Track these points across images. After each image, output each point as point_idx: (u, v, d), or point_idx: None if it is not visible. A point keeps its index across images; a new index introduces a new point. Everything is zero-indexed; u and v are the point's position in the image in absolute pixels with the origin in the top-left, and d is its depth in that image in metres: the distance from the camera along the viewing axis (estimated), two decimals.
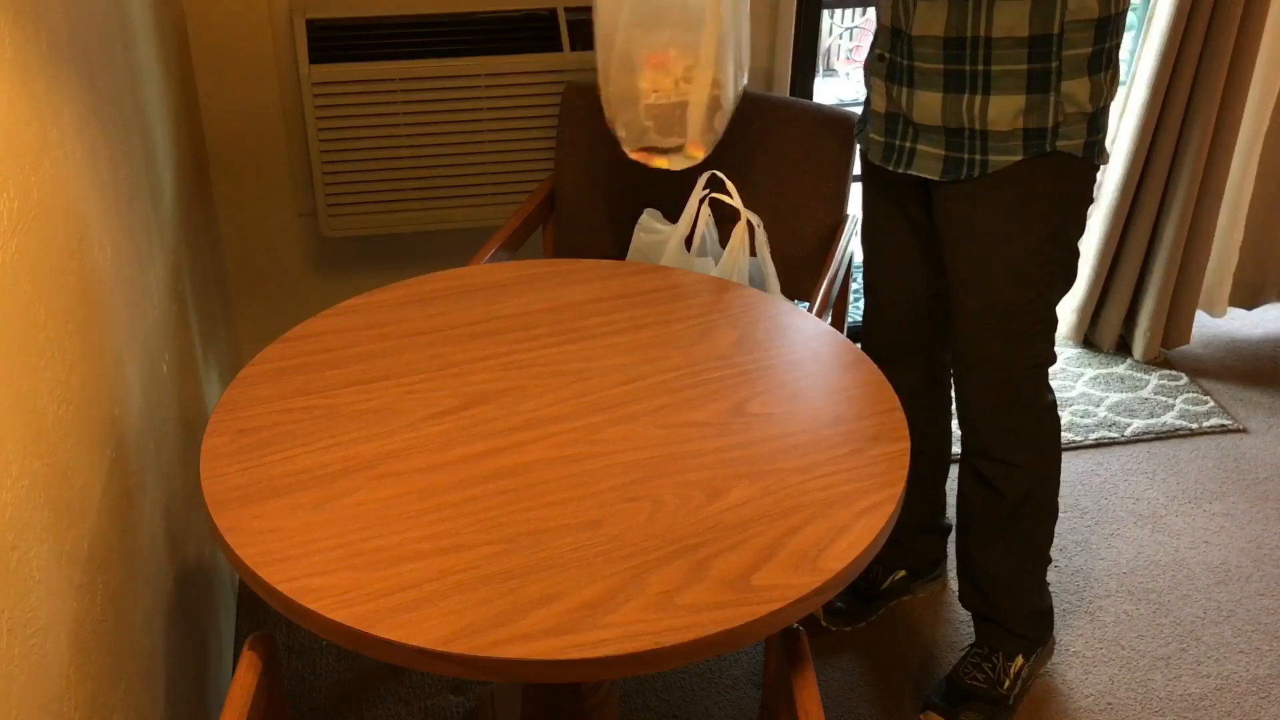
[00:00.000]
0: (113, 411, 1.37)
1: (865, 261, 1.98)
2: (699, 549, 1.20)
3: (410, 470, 1.31)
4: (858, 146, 1.93)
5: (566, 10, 2.33)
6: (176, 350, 1.81)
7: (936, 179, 1.70)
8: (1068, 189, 1.69)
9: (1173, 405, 2.79)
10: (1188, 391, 2.85)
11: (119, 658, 1.29)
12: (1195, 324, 3.02)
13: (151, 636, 1.46)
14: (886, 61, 1.71)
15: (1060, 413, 2.31)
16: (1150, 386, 2.87)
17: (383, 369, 1.50)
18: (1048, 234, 1.69)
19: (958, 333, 1.80)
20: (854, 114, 2.16)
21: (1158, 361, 2.98)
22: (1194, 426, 2.72)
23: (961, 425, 1.87)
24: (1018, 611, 1.97)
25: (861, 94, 4.76)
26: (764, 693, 2.00)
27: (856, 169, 2.22)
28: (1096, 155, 1.69)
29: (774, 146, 2.16)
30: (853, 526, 1.24)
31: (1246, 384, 2.91)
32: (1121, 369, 2.94)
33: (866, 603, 2.17)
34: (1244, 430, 2.73)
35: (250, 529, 1.22)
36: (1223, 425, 2.72)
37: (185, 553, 1.75)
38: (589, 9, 2.35)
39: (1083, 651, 2.13)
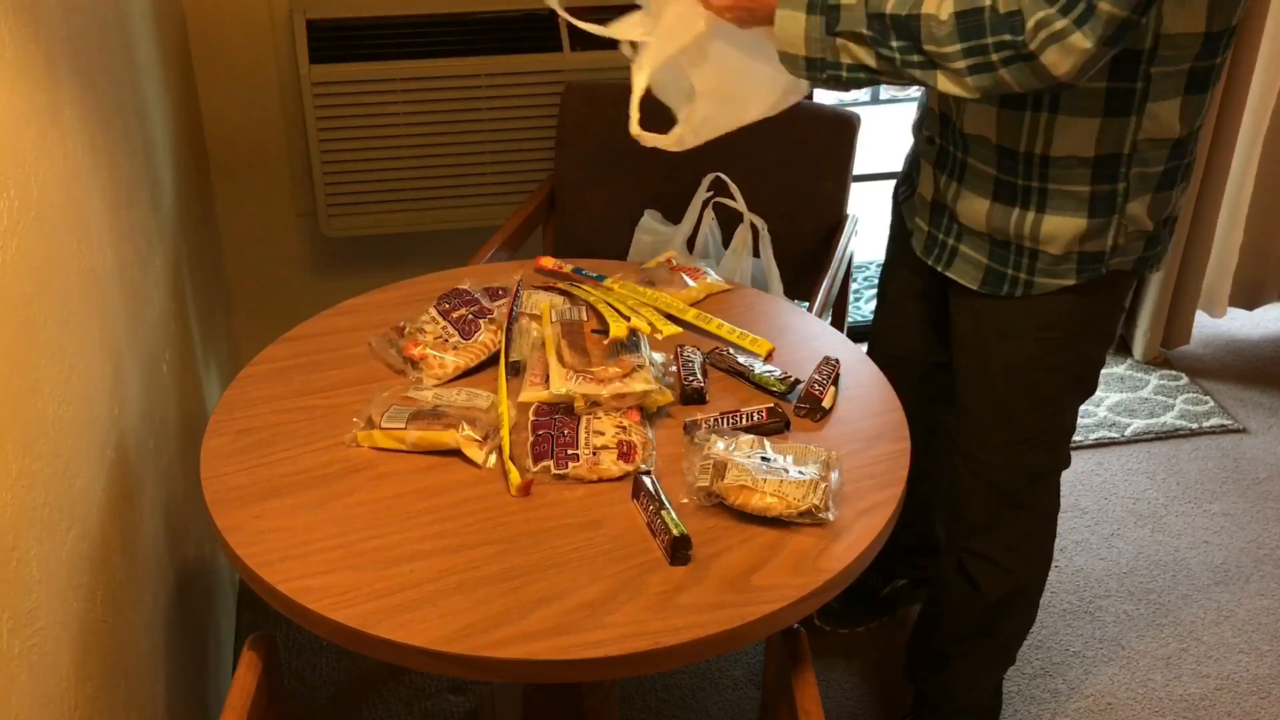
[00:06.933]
0: (113, 411, 1.37)
1: (875, 312, 1.86)
2: (699, 549, 1.20)
3: (410, 470, 1.31)
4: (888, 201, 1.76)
5: (567, 11, 2.33)
6: (176, 350, 1.81)
7: (974, 289, 1.54)
8: (1104, 308, 1.54)
9: (1173, 405, 2.79)
10: (1188, 391, 2.85)
11: (119, 658, 1.29)
12: (1195, 324, 3.02)
13: (151, 636, 1.46)
14: (937, 147, 1.55)
15: None
16: (1150, 386, 2.87)
17: (383, 368, 1.49)
18: (1069, 353, 1.55)
19: (957, 421, 1.67)
20: (854, 114, 2.16)
21: (1158, 361, 2.98)
22: (1194, 426, 2.72)
23: (950, 512, 1.75)
24: (962, 702, 1.87)
25: (862, 95, 4.76)
26: (764, 693, 2.00)
27: (857, 169, 2.22)
28: (1150, 268, 1.52)
29: (774, 146, 2.16)
30: (853, 527, 1.24)
31: (1246, 384, 2.91)
32: (1121, 369, 2.94)
33: (866, 609, 2.15)
34: (1244, 430, 2.73)
35: (250, 529, 1.22)
36: (1223, 425, 2.72)
37: (185, 553, 1.75)
38: (589, 9, 2.34)
39: (1083, 651, 2.13)
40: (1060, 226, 1.43)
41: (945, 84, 1.29)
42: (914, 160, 1.67)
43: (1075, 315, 1.51)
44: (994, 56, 1.25)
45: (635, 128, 1.46)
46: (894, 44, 1.30)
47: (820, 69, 1.35)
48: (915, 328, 1.76)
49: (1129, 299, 1.58)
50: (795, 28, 1.33)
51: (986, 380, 1.60)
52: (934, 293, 1.69)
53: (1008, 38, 1.23)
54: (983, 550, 1.71)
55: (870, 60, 1.32)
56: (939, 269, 1.58)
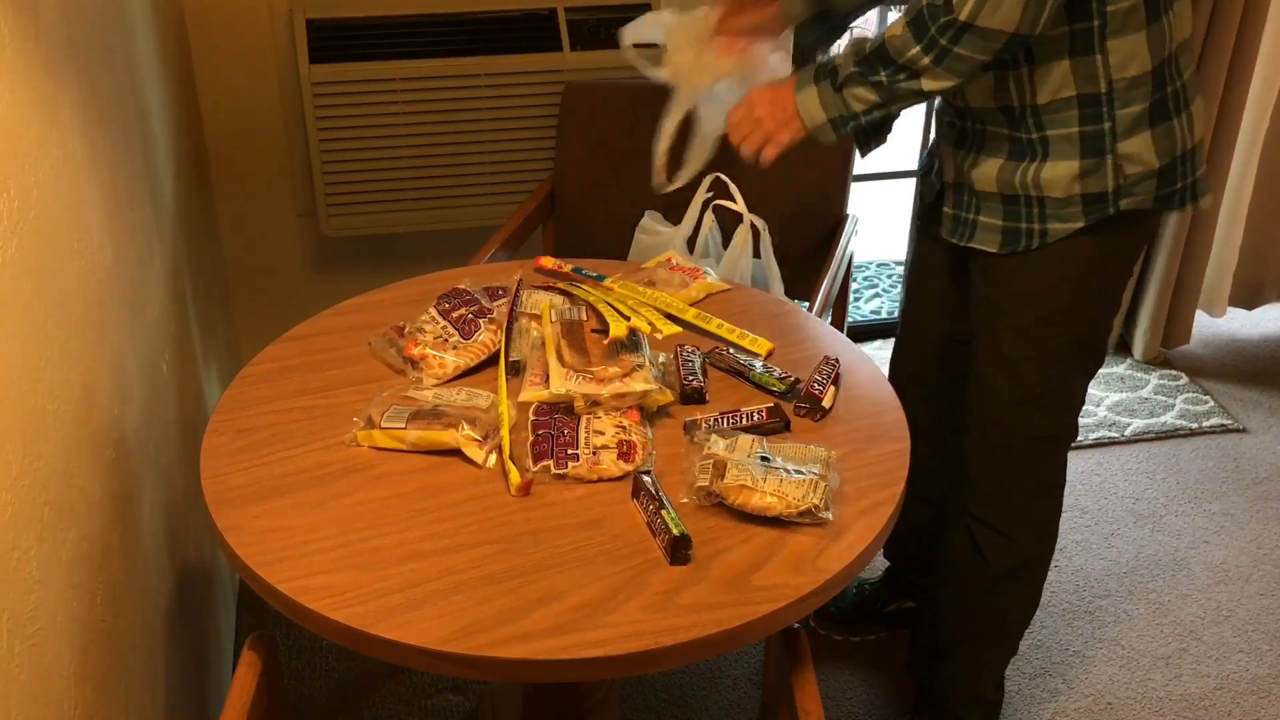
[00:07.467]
0: (113, 411, 1.37)
1: (903, 293, 1.90)
2: (699, 549, 1.20)
3: (410, 470, 1.31)
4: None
5: (566, 10, 2.33)
6: (176, 350, 1.81)
7: (995, 251, 1.58)
8: (1122, 249, 1.58)
9: (1173, 405, 2.79)
10: (1188, 391, 2.85)
11: (119, 658, 1.29)
12: (1195, 324, 3.02)
13: (151, 636, 1.46)
14: (958, 129, 1.61)
15: None
16: (1150, 386, 2.87)
17: (383, 368, 1.49)
18: (1073, 312, 1.59)
19: (970, 384, 1.71)
20: None
21: (1158, 361, 2.98)
22: (1194, 426, 2.72)
23: (962, 478, 1.77)
24: (965, 695, 1.88)
25: None
26: (764, 693, 2.00)
27: (857, 169, 2.22)
28: (1182, 204, 1.55)
29: None
30: (853, 526, 1.24)
31: (1246, 384, 2.91)
32: (1121, 369, 2.94)
33: (866, 621, 2.14)
34: (1244, 430, 2.73)
35: (250, 529, 1.22)
36: (1223, 425, 2.72)
37: (185, 553, 1.75)
38: (589, 9, 2.34)
39: (1083, 651, 2.13)
40: (1057, 170, 1.50)
41: (930, 84, 1.43)
42: (936, 144, 1.73)
43: (1096, 256, 1.56)
44: (943, 40, 1.38)
45: (661, 176, 1.75)
46: (882, 72, 1.45)
47: (843, 124, 1.51)
48: (937, 297, 1.81)
49: (1149, 241, 1.63)
50: (812, 100, 1.51)
51: (994, 336, 1.64)
52: (952, 266, 1.74)
53: (944, 19, 1.36)
54: (989, 518, 1.74)
55: (873, 95, 1.47)
56: (963, 244, 1.63)
